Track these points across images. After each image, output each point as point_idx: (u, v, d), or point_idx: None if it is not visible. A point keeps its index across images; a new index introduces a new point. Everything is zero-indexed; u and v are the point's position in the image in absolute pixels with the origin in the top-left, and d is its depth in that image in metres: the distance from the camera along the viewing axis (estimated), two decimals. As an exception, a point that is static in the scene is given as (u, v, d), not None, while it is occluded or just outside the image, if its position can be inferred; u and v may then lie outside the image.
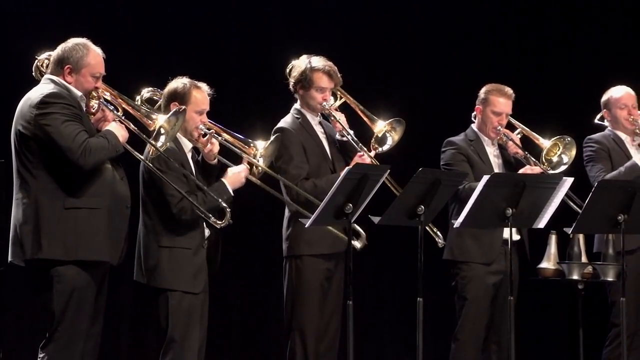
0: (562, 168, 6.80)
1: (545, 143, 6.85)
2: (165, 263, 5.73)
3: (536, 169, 6.70)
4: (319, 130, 6.50)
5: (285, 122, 6.46)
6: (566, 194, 6.31)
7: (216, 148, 5.89)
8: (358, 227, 6.07)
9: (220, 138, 5.92)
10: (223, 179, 5.86)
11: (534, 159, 6.80)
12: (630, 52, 8.40)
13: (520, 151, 6.85)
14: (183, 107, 5.69)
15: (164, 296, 5.75)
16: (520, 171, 6.70)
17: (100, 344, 5.69)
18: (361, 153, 6.33)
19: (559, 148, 6.87)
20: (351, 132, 6.42)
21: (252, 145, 5.98)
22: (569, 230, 6.42)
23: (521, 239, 6.76)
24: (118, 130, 5.55)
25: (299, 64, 6.45)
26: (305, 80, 6.40)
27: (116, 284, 6.10)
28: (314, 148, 6.42)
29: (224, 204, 5.67)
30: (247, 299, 8.12)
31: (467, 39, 8.52)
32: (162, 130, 5.52)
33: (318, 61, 6.43)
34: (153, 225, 5.77)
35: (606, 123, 7.32)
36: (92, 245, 5.48)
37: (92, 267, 5.52)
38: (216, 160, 5.92)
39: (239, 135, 5.99)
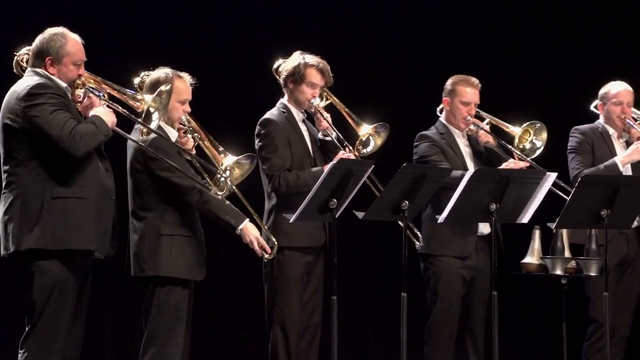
0: (537, 153, 6.85)
1: (515, 130, 6.89)
2: (166, 250, 5.76)
3: (521, 163, 6.72)
4: (302, 127, 6.51)
5: (271, 114, 6.47)
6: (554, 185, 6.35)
7: (190, 144, 5.91)
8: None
9: (196, 136, 5.90)
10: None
11: (507, 145, 6.83)
12: (610, 44, 8.44)
13: (491, 139, 6.88)
14: (168, 84, 5.67)
15: (152, 290, 5.76)
16: (504, 165, 6.73)
17: (83, 340, 5.67)
18: (344, 152, 6.33)
19: (530, 134, 6.91)
20: (335, 131, 6.43)
21: (224, 154, 5.89)
22: (553, 226, 6.45)
23: (495, 233, 6.78)
24: (106, 114, 5.52)
25: (293, 59, 6.47)
26: (298, 74, 6.41)
27: (100, 279, 6.09)
28: (298, 142, 6.43)
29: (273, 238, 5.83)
30: (228, 293, 8.12)
31: (452, 38, 8.54)
32: (152, 109, 5.53)
33: (312, 57, 6.45)
34: (152, 215, 5.78)
35: (601, 117, 7.32)
36: (81, 234, 5.46)
37: (76, 260, 5.49)
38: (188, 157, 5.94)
39: (216, 144, 5.92)
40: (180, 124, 5.91)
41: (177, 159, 5.75)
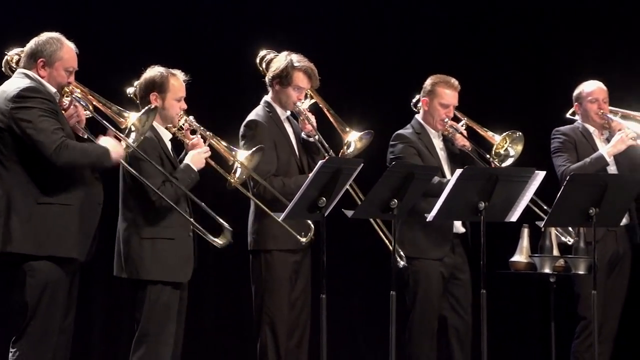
0: (510, 161, 6.86)
1: (489, 133, 6.90)
2: (148, 254, 5.75)
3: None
4: (287, 125, 6.50)
5: (256, 114, 6.44)
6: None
7: (201, 143, 5.93)
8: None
9: (207, 142, 5.94)
10: (186, 161, 5.89)
11: (483, 152, 6.84)
12: (602, 46, 8.46)
13: (467, 144, 6.89)
14: (154, 105, 5.73)
15: (143, 290, 5.76)
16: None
17: (72, 339, 5.68)
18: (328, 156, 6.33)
19: (507, 142, 6.92)
20: (318, 134, 6.42)
21: (234, 152, 5.98)
22: (541, 224, 6.46)
23: (466, 232, 6.82)
24: (115, 147, 5.54)
25: (280, 60, 6.44)
26: (285, 77, 6.40)
27: (89, 279, 6.09)
28: (284, 143, 6.42)
29: (225, 224, 5.71)
30: (218, 293, 8.11)
31: (428, 33, 8.55)
32: (133, 128, 5.55)
33: (300, 60, 6.42)
34: (134, 218, 5.79)
35: (576, 117, 7.39)
36: (63, 241, 5.47)
37: (63, 263, 5.50)
38: None
39: (223, 143, 5.99)
40: (185, 125, 5.95)
41: (152, 161, 5.74)
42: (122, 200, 5.86)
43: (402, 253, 6.48)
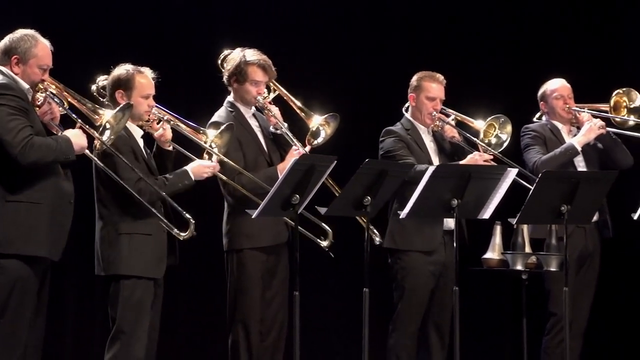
0: (504, 146, 6.90)
1: (479, 125, 6.94)
2: (125, 249, 5.74)
3: (485, 155, 6.77)
4: (253, 123, 6.49)
5: (219, 116, 6.43)
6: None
7: (168, 133, 5.95)
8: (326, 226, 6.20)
9: (172, 123, 5.94)
10: (187, 167, 5.89)
11: (472, 138, 6.87)
12: (566, 43, 8.50)
13: (457, 134, 6.93)
14: (129, 102, 5.71)
15: (116, 286, 5.75)
16: (469, 157, 6.77)
17: (45, 338, 5.66)
18: (296, 147, 6.34)
19: (495, 128, 6.97)
20: (285, 125, 6.42)
21: (202, 132, 6.01)
22: (514, 221, 6.49)
23: (459, 228, 6.82)
24: (76, 137, 5.51)
25: (233, 57, 6.43)
26: (240, 74, 6.39)
27: (61, 277, 6.07)
28: (250, 141, 6.41)
29: (188, 215, 5.68)
30: (191, 293, 8.10)
31: (407, 31, 8.57)
32: (108, 126, 5.52)
33: (252, 54, 6.41)
34: (110, 214, 5.78)
35: (544, 118, 7.43)
36: (32, 240, 5.45)
37: (33, 261, 5.47)
38: (171, 146, 5.96)
39: (192, 124, 6.00)
40: (154, 120, 5.92)
41: (127, 157, 5.73)
42: (97, 198, 5.84)
43: (376, 231, 6.50)
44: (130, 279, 5.74)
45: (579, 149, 7.14)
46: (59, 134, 5.56)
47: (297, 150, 6.32)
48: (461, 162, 6.68)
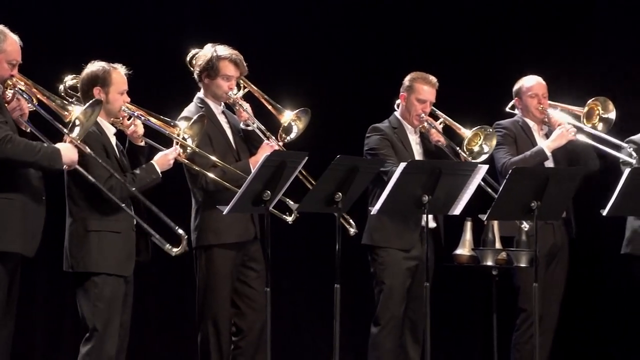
0: (483, 157, 6.93)
1: (466, 132, 6.96)
2: (95, 247, 5.72)
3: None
4: (222, 119, 6.48)
5: (188, 111, 6.41)
6: (483, 179, 6.43)
7: (140, 129, 5.93)
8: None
9: (142, 119, 5.93)
10: (152, 161, 5.89)
11: (455, 146, 6.90)
12: (542, 42, 8.53)
13: (442, 139, 6.95)
14: (99, 99, 5.68)
15: (86, 284, 5.73)
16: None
17: (15, 335, 5.62)
18: (269, 141, 6.33)
19: (480, 138, 6.99)
20: (256, 121, 6.42)
21: (173, 124, 6.00)
22: (484, 217, 6.52)
23: (437, 226, 6.87)
24: (67, 150, 5.48)
25: (204, 53, 6.41)
26: (212, 68, 6.37)
27: (31, 274, 6.03)
28: (219, 137, 6.40)
29: (181, 231, 5.65)
30: (161, 289, 8.09)
31: (387, 27, 8.57)
32: (77, 122, 5.50)
33: (224, 50, 6.40)
34: (80, 210, 5.75)
35: (516, 111, 7.47)
36: (5, 236, 5.41)
37: (3, 258, 5.44)
38: (143, 142, 5.96)
39: (163, 117, 6.00)
40: (125, 117, 5.91)
41: (98, 154, 5.71)
42: (68, 195, 5.82)
43: (351, 221, 6.52)
44: (99, 276, 5.72)
45: (549, 154, 7.18)
46: (27, 130, 5.52)
47: (269, 144, 6.31)
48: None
